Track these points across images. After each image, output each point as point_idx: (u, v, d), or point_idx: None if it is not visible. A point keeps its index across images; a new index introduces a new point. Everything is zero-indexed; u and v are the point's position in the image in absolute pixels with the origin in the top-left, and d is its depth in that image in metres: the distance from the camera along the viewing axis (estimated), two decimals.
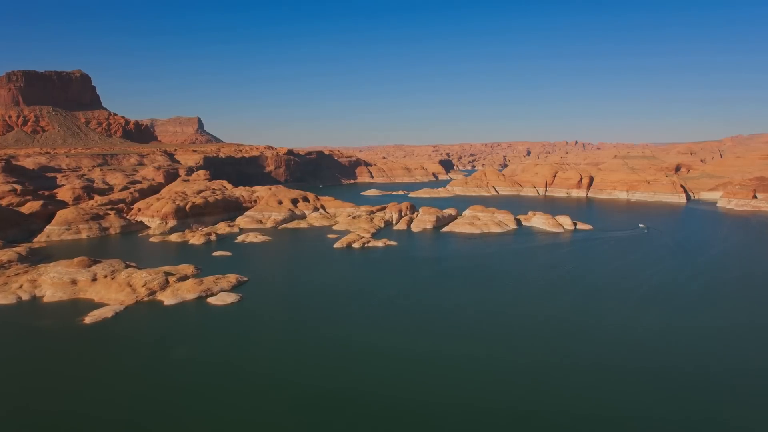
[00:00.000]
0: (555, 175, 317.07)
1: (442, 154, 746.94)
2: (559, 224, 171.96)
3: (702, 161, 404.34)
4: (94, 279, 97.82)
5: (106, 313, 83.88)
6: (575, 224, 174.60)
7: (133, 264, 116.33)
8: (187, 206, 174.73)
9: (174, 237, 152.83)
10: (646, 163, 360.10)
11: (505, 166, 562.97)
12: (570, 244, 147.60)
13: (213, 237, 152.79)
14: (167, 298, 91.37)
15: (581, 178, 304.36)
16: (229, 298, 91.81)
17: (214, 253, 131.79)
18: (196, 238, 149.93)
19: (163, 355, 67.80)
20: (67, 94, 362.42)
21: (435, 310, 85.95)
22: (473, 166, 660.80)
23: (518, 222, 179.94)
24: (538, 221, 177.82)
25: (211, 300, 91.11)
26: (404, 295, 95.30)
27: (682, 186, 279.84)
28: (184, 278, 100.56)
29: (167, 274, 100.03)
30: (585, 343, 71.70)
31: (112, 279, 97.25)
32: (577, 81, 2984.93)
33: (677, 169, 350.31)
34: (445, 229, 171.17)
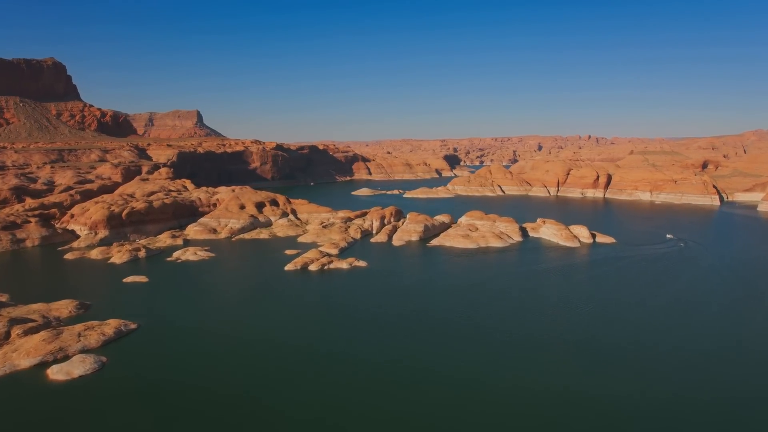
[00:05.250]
0: (568, 173, 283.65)
1: (449, 148, 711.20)
2: (574, 236, 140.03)
3: (725, 157, 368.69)
4: None
5: None
6: (594, 236, 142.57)
7: (3, 298, 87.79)
8: (124, 213, 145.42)
9: (95, 253, 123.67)
10: (669, 159, 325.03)
11: (515, 161, 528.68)
12: (588, 266, 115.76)
13: (142, 253, 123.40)
14: None
15: (598, 177, 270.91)
16: (83, 366, 61.90)
17: (126, 279, 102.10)
18: (120, 254, 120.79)
19: None
20: (38, 83, 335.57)
21: (381, 401, 55.60)
22: (481, 161, 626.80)
23: (524, 232, 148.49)
24: (548, 232, 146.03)
25: (53, 370, 61.18)
26: (342, 364, 65.01)
27: (714, 186, 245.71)
28: (39, 328, 71.23)
29: (14, 322, 70.66)
30: None
31: None
32: (587, 73, 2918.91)
33: (704, 166, 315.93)
34: (434, 242, 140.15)
